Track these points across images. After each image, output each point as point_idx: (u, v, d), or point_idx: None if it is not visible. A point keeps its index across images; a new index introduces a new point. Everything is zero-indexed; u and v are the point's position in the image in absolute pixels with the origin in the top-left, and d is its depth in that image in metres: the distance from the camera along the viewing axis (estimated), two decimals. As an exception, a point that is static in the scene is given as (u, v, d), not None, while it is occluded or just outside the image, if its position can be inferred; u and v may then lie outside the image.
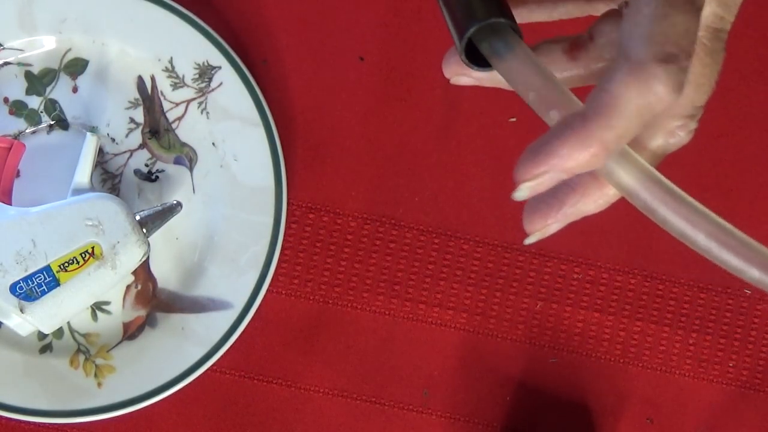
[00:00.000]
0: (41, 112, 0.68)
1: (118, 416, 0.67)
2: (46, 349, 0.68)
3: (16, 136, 0.68)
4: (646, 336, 0.69)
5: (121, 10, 0.67)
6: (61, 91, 0.68)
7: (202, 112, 0.68)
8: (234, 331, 0.67)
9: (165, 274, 0.69)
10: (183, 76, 0.67)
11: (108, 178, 0.68)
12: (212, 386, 0.69)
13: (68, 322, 0.68)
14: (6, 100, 0.68)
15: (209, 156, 0.68)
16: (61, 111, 0.68)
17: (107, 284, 0.42)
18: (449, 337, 0.69)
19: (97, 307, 0.68)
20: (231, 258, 0.68)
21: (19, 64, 0.68)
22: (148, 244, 0.56)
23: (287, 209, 0.68)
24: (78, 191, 0.56)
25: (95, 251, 0.42)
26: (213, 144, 0.68)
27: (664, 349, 0.69)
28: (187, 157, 0.68)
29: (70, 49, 0.68)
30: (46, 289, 0.41)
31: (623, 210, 0.70)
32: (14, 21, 0.67)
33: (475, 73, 0.38)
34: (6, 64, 0.68)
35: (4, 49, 0.67)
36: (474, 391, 0.69)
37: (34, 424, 0.68)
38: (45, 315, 0.41)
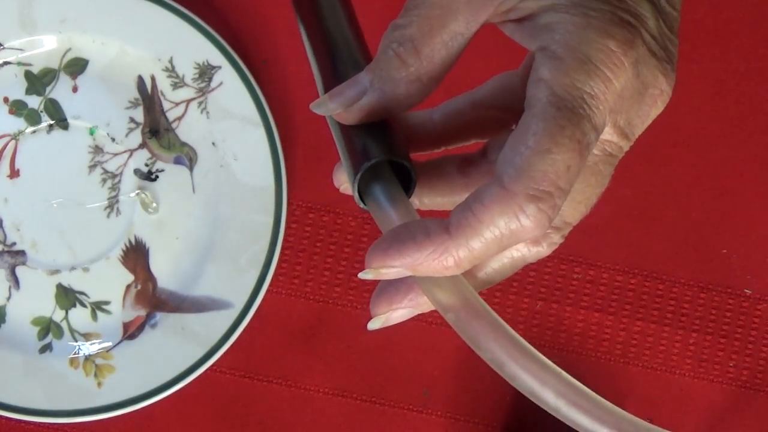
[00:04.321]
0: (41, 111, 0.68)
1: (118, 416, 0.67)
2: (46, 349, 0.68)
3: (16, 136, 0.68)
4: (646, 336, 0.69)
5: (121, 9, 0.67)
6: (61, 90, 0.68)
7: (202, 112, 0.68)
8: (234, 331, 0.67)
9: (165, 274, 0.69)
10: (183, 76, 0.67)
11: (108, 177, 0.68)
12: (212, 386, 0.69)
13: (68, 322, 0.68)
14: (6, 99, 0.68)
15: (209, 155, 0.68)
16: (61, 111, 0.68)
17: None
18: (449, 337, 0.69)
19: (97, 307, 0.68)
20: (231, 258, 0.68)
21: (19, 63, 0.68)
22: None
23: (287, 209, 0.68)
24: None
25: None
26: (213, 143, 0.68)
27: (664, 349, 0.69)
28: (187, 157, 0.68)
29: (70, 49, 0.68)
30: None
31: (624, 210, 0.70)
32: (14, 20, 0.67)
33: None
34: (6, 63, 0.68)
35: (3, 48, 0.67)
36: (474, 391, 0.69)
37: (35, 423, 0.68)
38: None
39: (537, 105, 0.33)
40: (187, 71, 0.67)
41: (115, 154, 0.68)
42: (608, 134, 0.35)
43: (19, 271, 0.69)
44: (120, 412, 0.67)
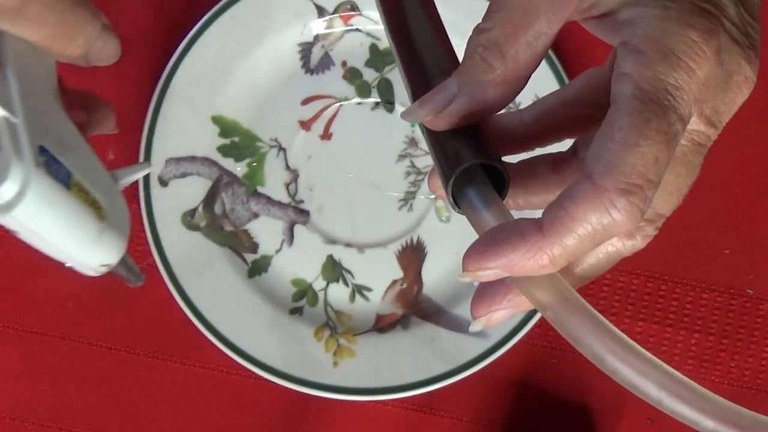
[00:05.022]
0: (373, 87, 0.69)
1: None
2: (296, 311, 0.68)
3: (341, 101, 0.68)
4: (648, 336, 0.69)
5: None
6: (398, 73, 0.69)
7: None
8: (481, 361, 0.66)
9: (433, 283, 0.69)
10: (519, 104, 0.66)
11: (413, 172, 0.69)
12: (218, 386, 0.69)
13: (326, 294, 0.68)
14: (344, 63, 0.69)
15: None
16: (392, 93, 0.68)
17: (83, 243, 0.39)
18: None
19: (358, 290, 0.69)
20: None
21: (368, 35, 0.69)
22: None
23: None
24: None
25: (100, 212, 0.40)
26: None
27: (666, 349, 0.69)
28: None
29: None
30: (58, 179, 0.39)
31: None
32: None
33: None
34: (356, 30, 0.68)
35: (359, 15, 0.68)
36: (476, 391, 0.69)
37: (256, 376, 0.67)
38: (39, 196, 0.37)
39: (622, 99, 0.33)
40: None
41: (427, 153, 0.68)
42: (695, 124, 0.35)
43: (297, 229, 0.69)
44: (344, 397, 0.67)
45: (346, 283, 0.69)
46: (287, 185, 0.70)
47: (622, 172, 0.32)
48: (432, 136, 0.37)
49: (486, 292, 0.37)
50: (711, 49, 0.34)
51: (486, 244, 0.34)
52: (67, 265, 0.42)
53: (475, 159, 0.36)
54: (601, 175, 0.32)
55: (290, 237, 0.69)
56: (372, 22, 0.69)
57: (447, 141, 0.37)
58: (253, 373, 0.67)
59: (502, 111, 0.38)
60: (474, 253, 0.34)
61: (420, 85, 0.38)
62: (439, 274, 0.69)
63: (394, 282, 0.69)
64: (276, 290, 0.69)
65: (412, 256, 0.69)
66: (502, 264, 0.33)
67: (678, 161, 0.36)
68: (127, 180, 0.43)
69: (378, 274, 0.69)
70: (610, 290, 0.70)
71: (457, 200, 0.36)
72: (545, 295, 0.34)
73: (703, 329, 0.69)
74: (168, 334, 0.70)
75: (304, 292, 0.69)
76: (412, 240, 0.69)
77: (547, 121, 0.40)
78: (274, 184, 0.69)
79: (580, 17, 0.36)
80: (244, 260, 0.69)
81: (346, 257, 0.69)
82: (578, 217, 0.32)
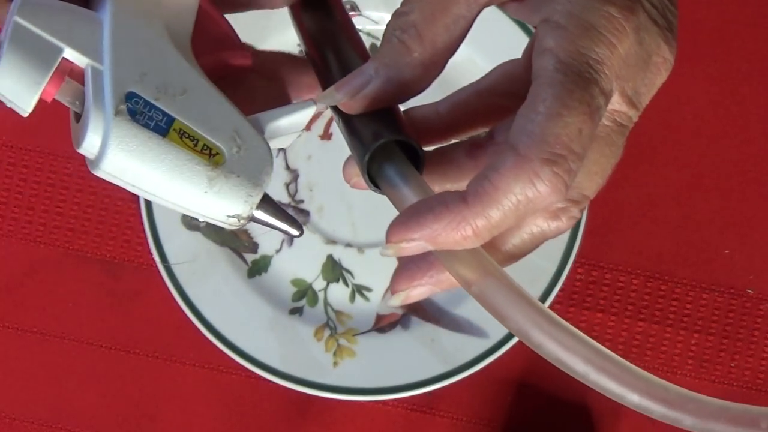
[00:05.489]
0: None
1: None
2: (296, 311, 0.68)
3: None
4: (648, 336, 0.69)
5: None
6: None
7: None
8: (481, 361, 0.67)
9: None
10: None
11: None
12: (218, 386, 0.69)
13: (326, 294, 0.68)
14: None
15: None
16: None
17: (191, 193, 0.37)
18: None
19: (359, 290, 0.69)
20: None
21: (369, 35, 0.69)
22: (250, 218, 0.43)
23: (572, 264, 0.67)
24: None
25: (215, 158, 0.38)
26: None
27: (666, 349, 0.69)
28: None
29: None
30: (149, 126, 0.37)
31: (626, 211, 0.70)
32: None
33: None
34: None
35: (359, 15, 0.69)
36: (476, 391, 0.69)
37: (256, 376, 0.67)
38: (122, 146, 0.36)
39: (544, 74, 0.33)
40: None
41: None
42: (617, 104, 0.35)
43: None
44: (344, 397, 0.67)
45: (346, 283, 0.69)
46: (287, 185, 0.70)
47: (546, 142, 0.32)
48: (347, 120, 0.37)
49: (408, 267, 0.37)
50: (631, 26, 0.34)
51: (409, 216, 0.34)
52: (200, 220, 0.39)
53: (391, 136, 0.36)
54: (525, 146, 0.32)
55: (290, 237, 0.69)
56: (372, 22, 0.69)
57: (362, 123, 0.37)
58: (253, 373, 0.67)
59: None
60: (397, 224, 0.34)
61: (337, 76, 0.38)
62: None
63: None
64: (276, 290, 0.69)
65: (413, 256, 0.69)
66: (426, 235, 0.33)
67: (602, 141, 0.36)
68: (279, 124, 0.40)
69: (378, 275, 0.69)
70: (610, 290, 0.70)
71: (376, 180, 0.36)
72: (470, 270, 0.34)
73: (703, 329, 0.69)
74: (168, 334, 0.70)
75: (304, 292, 0.69)
76: None
77: (463, 112, 0.40)
78: (274, 184, 0.69)
79: (499, 1, 0.36)
80: (244, 260, 0.69)
81: (346, 257, 0.69)
82: (502, 187, 0.32)
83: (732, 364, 0.69)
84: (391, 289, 0.36)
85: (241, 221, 0.38)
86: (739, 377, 0.69)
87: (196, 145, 0.37)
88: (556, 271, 0.67)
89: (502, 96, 0.39)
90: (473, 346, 0.67)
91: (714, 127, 0.70)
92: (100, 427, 0.70)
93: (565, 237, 0.67)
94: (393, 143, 0.36)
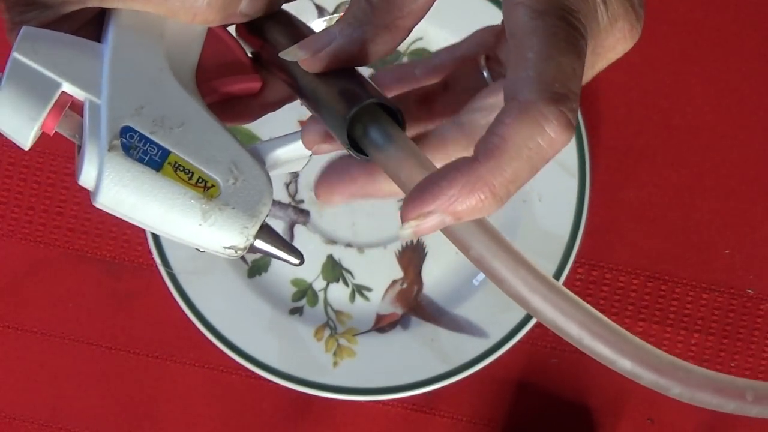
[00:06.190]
0: None
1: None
2: (296, 311, 0.69)
3: None
4: (648, 336, 0.69)
5: (484, 17, 0.63)
6: None
7: None
8: (481, 361, 0.67)
9: (433, 283, 0.69)
10: None
11: None
12: (218, 386, 0.69)
13: (325, 294, 0.69)
14: None
15: None
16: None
17: (186, 226, 0.37)
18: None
19: (358, 290, 0.69)
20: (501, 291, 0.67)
21: None
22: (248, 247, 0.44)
23: (572, 265, 0.67)
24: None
25: (210, 191, 0.38)
26: None
27: (666, 349, 0.69)
28: None
29: (421, 38, 0.68)
30: (143, 160, 0.37)
31: (626, 211, 0.70)
32: None
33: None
34: None
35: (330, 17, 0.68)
36: (476, 391, 0.69)
37: (256, 376, 0.67)
38: (115, 180, 0.36)
39: (523, 28, 0.33)
40: None
41: None
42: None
43: (298, 229, 0.69)
44: (344, 397, 0.67)
45: (346, 283, 0.69)
46: (287, 185, 0.70)
47: (545, 83, 0.31)
48: (317, 86, 0.37)
49: (329, 178, 0.38)
50: None
51: (422, 188, 0.33)
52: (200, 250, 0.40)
53: (371, 99, 0.35)
54: (525, 92, 0.31)
55: (290, 237, 0.69)
56: None
57: (336, 86, 0.36)
58: (253, 373, 0.67)
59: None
60: (410, 199, 0.33)
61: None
62: (439, 274, 0.69)
63: (394, 282, 0.69)
64: (276, 290, 0.69)
65: (412, 256, 0.69)
66: (442, 204, 0.32)
67: None
68: (281, 153, 0.40)
69: (378, 274, 0.69)
70: (610, 290, 0.70)
71: (360, 143, 0.36)
72: (469, 233, 0.34)
73: (703, 329, 0.69)
74: (168, 334, 0.70)
75: (304, 292, 0.69)
76: (412, 240, 0.69)
77: (439, 76, 0.40)
78: (274, 184, 0.69)
79: None
80: (244, 260, 0.69)
81: (346, 257, 0.69)
82: (512, 137, 0.31)
83: (732, 364, 0.69)
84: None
85: (239, 252, 0.39)
86: (739, 377, 0.69)
87: (190, 178, 0.37)
88: (556, 271, 0.66)
89: (477, 62, 0.39)
90: (473, 346, 0.67)
91: (714, 127, 0.70)
92: (100, 427, 0.70)
93: (565, 237, 0.67)
94: (374, 105, 0.35)
